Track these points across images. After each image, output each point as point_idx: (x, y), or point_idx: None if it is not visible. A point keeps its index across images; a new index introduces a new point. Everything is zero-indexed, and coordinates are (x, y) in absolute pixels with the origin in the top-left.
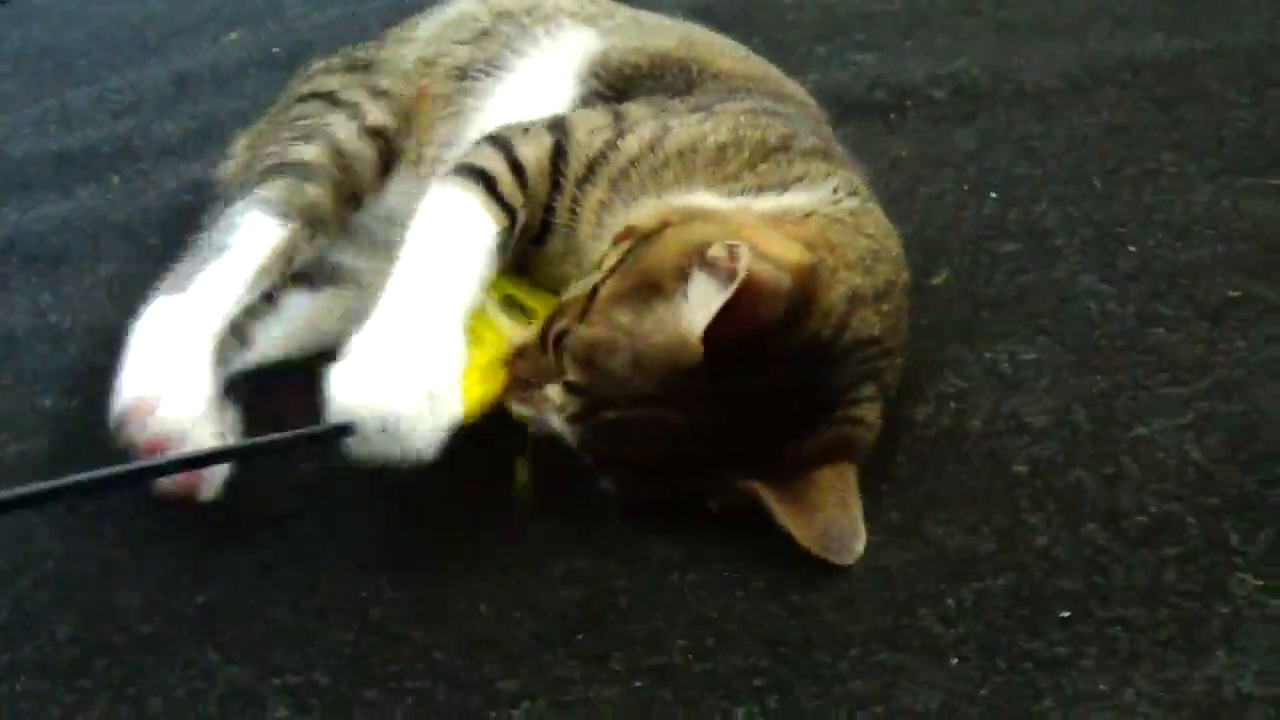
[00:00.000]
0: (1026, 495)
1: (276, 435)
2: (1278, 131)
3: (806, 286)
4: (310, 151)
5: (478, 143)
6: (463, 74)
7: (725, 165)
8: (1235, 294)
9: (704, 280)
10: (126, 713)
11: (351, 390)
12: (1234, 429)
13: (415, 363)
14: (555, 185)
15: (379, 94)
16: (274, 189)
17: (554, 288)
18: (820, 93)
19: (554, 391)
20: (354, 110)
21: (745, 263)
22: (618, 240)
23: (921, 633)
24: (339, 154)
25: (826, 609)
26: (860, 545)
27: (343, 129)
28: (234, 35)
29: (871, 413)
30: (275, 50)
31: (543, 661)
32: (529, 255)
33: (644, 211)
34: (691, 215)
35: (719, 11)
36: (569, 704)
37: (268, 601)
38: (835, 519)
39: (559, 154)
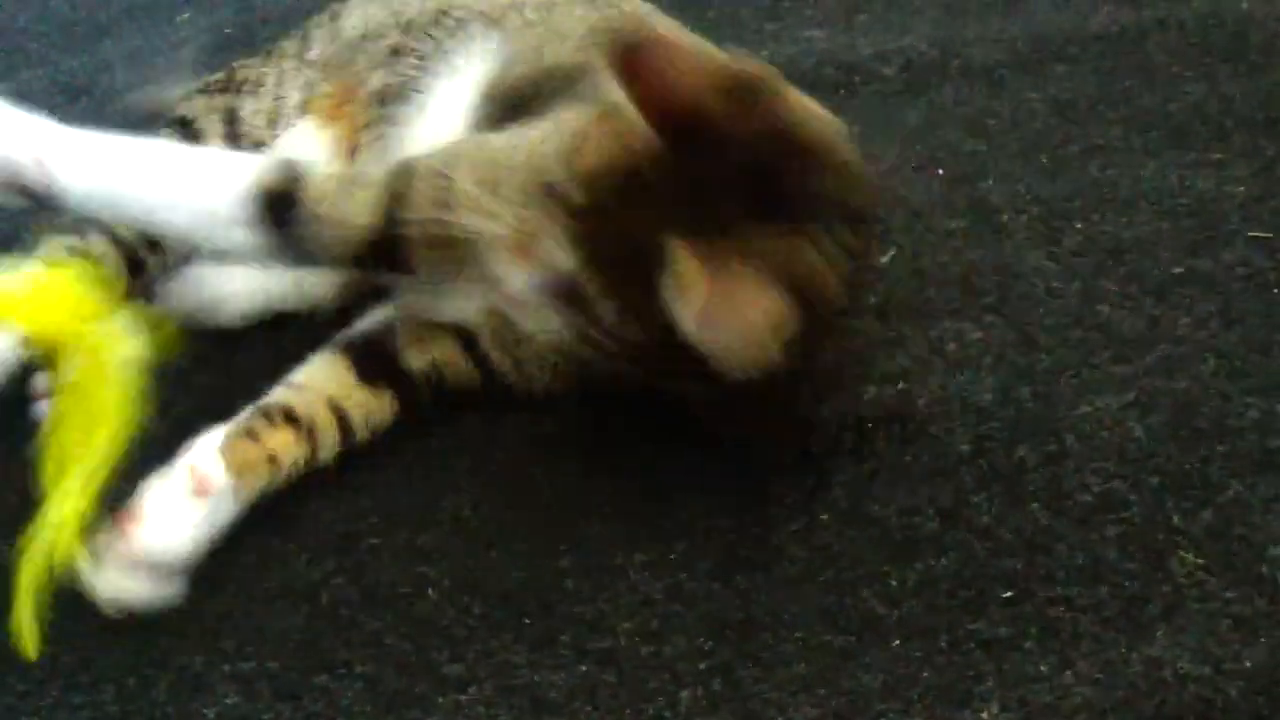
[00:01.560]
0: (970, 474)
1: None
2: (1222, 105)
3: None
4: None
5: None
6: (382, 98)
7: None
8: (1179, 270)
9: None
10: (79, 701)
11: None
12: (1177, 406)
13: None
14: None
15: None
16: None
17: None
18: None
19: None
20: None
21: None
22: None
23: (865, 614)
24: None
25: (770, 590)
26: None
27: None
28: (186, 15)
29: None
30: (228, 30)
31: (489, 646)
32: None
33: None
34: None
35: None
36: (516, 688)
37: (217, 588)
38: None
39: None
